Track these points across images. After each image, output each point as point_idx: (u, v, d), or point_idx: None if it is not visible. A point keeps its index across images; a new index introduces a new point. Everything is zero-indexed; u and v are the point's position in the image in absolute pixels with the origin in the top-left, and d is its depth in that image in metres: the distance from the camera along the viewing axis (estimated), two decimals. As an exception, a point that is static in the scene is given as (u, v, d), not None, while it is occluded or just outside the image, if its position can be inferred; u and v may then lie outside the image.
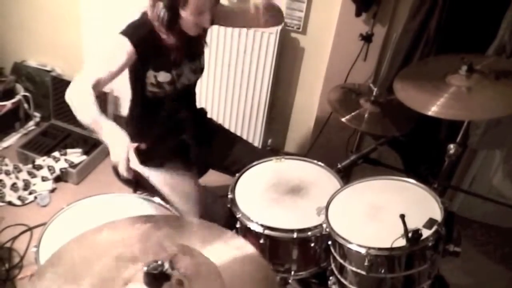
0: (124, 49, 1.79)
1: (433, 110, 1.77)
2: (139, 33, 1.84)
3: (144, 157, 1.96)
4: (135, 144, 2.04)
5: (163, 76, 1.95)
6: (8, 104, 3.35)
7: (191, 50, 2.03)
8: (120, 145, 1.54)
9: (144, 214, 1.40)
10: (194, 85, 2.17)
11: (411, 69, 2.18)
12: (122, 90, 2.94)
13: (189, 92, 2.17)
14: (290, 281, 1.89)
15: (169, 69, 1.96)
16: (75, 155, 3.08)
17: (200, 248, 1.21)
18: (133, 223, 1.32)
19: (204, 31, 1.99)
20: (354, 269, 1.60)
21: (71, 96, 1.65)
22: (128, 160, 1.53)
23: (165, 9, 1.78)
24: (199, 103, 2.33)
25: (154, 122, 2.08)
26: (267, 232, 1.73)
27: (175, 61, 1.97)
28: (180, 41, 1.91)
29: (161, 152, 2.07)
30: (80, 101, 1.63)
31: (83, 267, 1.13)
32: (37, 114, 3.53)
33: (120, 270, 1.11)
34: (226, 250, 1.26)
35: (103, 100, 3.21)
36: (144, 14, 1.89)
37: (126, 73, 1.90)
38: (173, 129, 2.11)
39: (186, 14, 1.80)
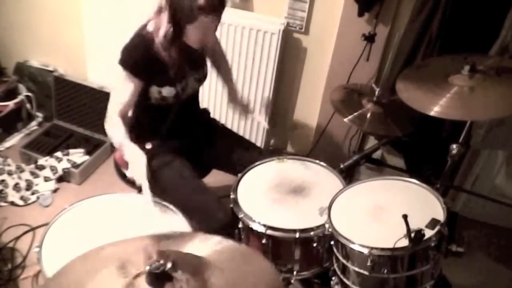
0: (127, 80, 1.89)
1: (435, 111, 1.76)
2: (134, 58, 1.87)
3: (150, 157, 1.97)
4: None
5: (168, 91, 1.96)
6: (11, 104, 3.35)
7: (195, 61, 2.03)
8: (137, 166, 1.84)
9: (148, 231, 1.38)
10: (198, 91, 2.18)
11: (413, 69, 2.17)
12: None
13: (193, 97, 2.16)
14: (292, 281, 1.89)
15: (173, 83, 1.96)
16: (78, 155, 3.09)
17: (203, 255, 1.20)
18: (136, 239, 1.31)
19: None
20: (356, 269, 1.60)
21: (108, 127, 1.96)
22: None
23: (170, 24, 1.80)
24: (202, 104, 2.33)
25: (159, 123, 2.08)
26: (269, 232, 1.73)
27: (178, 75, 1.97)
28: (181, 54, 1.90)
29: (166, 151, 2.07)
30: (111, 130, 1.95)
31: (86, 277, 1.12)
32: (40, 114, 3.54)
33: (123, 275, 1.11)
34: (229, 258, 1.25)
35: (106, 101, 3.21)
36: (139, 34, 1.90)
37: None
38: (177, 130, 2.12)
39: (191, 32, 1.83)
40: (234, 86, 2.35)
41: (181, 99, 2.02)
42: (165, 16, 1.80)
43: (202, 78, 2.11)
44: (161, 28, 1.82)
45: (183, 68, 1.97)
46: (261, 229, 1.73)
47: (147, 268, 1.04)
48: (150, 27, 1.88)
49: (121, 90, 1.93)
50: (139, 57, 1.87)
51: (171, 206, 1.78)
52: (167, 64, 1.91)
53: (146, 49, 1.86)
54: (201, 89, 2.22)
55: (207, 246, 1.24)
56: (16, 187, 2.89)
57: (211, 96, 3.05)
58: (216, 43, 2.25)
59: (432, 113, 1.76)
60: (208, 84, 3.00)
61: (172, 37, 1.83)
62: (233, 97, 2.32)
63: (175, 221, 1.72)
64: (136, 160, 1.84)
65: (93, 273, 1.13)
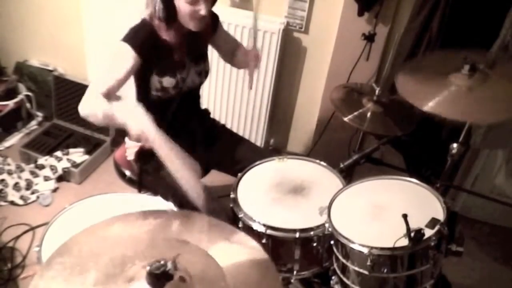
0: (128, 55, 1.82)
1: (430, 106, 1.74)
2: (140, 37, 1.85)
3: (149, 156, 1.97)
4: (139, 144, 2.04)
5: (168, 81, 1.95)
6: (11, 103, 3.35)
7: (195, 51, 2.03)
8: (135, 115, 1.66)
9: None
10: (198, 87, 2.18)
11: (414, 64, 2.16)
12: (124, 90, 2.94)
13: (194, 94, 2.17)
14: (292, 281, 1.89)
15: (173, 73, 1.96)
16: (77, 155, 3.09)
17: (207, 247, 1.21)
18: (145, 218, 1.32)
19: (208, 31, 1.99)
20: (356, 268, 1.60)
21: (83, 107, 1.76)
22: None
23: (160, 2, 1.79)
24: (203, 104, 2.33)
25: (158, 123, 2.08)
26: (269, 232, 1.72)
27: (179, 64, 1.97)
28: (181, 37, 1.91)
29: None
30: (91, 106, 1.75)
31: (90, 260, 1.14)
32: (39, 114, 3.54)
33: (125, 267, 1.12)
34: (232, 249, 1.25)
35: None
36: (144, 19, 1.89)
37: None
38: (177, 130, 2.11)
39: (182, 6, 1.80)
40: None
41: (182, 91, 2.02)
42: None
43: (202, 72, 2.11)
44: (153, 7, 1.82)
45: (184, 55, 1.97)
46: (261, 229, 1.73)
47: (148, 268, 1.05)
48: (147, 10, 1.88)
49: (118, 65, 1.83)
50: (144, 37, 1.85)
51: (171, 206, 1.78)
52: (169, 50, 1.92)
53: (151, 32, 1.87)
54: (201, 91, 2.22)
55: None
56: (16, 187, 2.89)
57: (211, 96, 3.05)
58: (221, 34, 2.19)
59: (426, 108, 1.73)
60: (208, 84, 3.00)
61: (166, 16, 1.82)
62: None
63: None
64: (132, 111, 1.67)
65: (97, 255, 1.15)
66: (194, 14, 1.83)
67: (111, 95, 1.78)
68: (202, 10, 1.82)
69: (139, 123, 1.65)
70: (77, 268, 1.12)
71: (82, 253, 1.17)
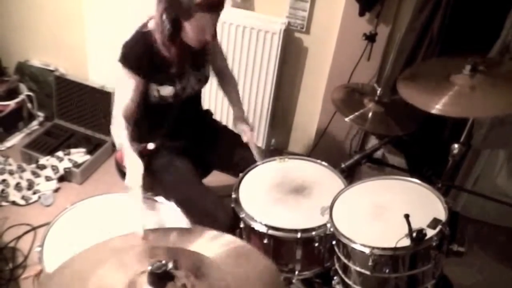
0: (128, 77, 1.89)
1: (437, 108, 1.77)
2: (135, 54, 1.88)
3: (152, 157, 1.97)
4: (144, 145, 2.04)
5: (166, 90, 1.96)
6: (12, 103, 3.35)
7: (196, 60, 2.03)
8: (134, 173, 1.74)
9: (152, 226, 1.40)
10: (199, 91, 2.18)
11: (415, 69, 2.17)
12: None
13: (194, 98, 2.16)
14: (294, 281, 1.89)
15: (172, 82, 1.96)
16: (79, 155, 3.09)
17: (205, 252, 1.21)
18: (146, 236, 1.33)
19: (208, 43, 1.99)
20: (358, 269, 1.60)
21: (113, 132, 1.95)
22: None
23: (168, 21, 1.80)
24: (204, 105, 2.33)
25: (159, 124, 2.08)
26: (271, 232, 1.72)
27: (178, 74, 1.97)
28: (182, 53, 1.91)
29: (168, 152, 2.07)
30: (115, 131, 1.93)
31: (89, 269, 1.13)
32: (41, 114, 3.54)
33: (126, 273, 1.11)
34: (231, 252, 1.25)
35: (107, 100, 3.22)
36: (139, 32, 1.90)
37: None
38: (179, 131, 2.11)
39: (188, 28, 1.82)
40: (239, 102, 2.32)
41: (181, 99, 2.02)
42: (163, 13, 1.81)
43: (203, 79, 2.10)
44: (160, 24, 1.83)
45: (183, 66, 1.97)
46: (263, 229, 1.73)
47: (149, 268, 1.05)
48: (150, 25, 1.88)
49: (123, 88, 1.92)
50: (139, 53, 1.87)
51: (172, 205, 1.79)
52: (167, 61, 1.91)
53: (146, 45, 1.87)
54: (202, 91, 2.22)
55: (210, 244, 1.25)
56: (18, 187, 2.89)
57: (212, 97, 3.05)
58: (216, 45, 2.21)
59: (433, 111, 1.77)
60: (210, 85, 2.98)
61: (171, 33, 1.83)
62: (237, 115, 2.26)
63: (176, 220, 1.72)
64: (134, 168, 1.76)
65: (96, 267, 1.14)
66: (200, 39, 1.88)
67: (129, 113, 1.93)
68: (208, 37, 1.87)
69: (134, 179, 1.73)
70: (77, 277, 1.12)
71: (81, 264, 1.17)
